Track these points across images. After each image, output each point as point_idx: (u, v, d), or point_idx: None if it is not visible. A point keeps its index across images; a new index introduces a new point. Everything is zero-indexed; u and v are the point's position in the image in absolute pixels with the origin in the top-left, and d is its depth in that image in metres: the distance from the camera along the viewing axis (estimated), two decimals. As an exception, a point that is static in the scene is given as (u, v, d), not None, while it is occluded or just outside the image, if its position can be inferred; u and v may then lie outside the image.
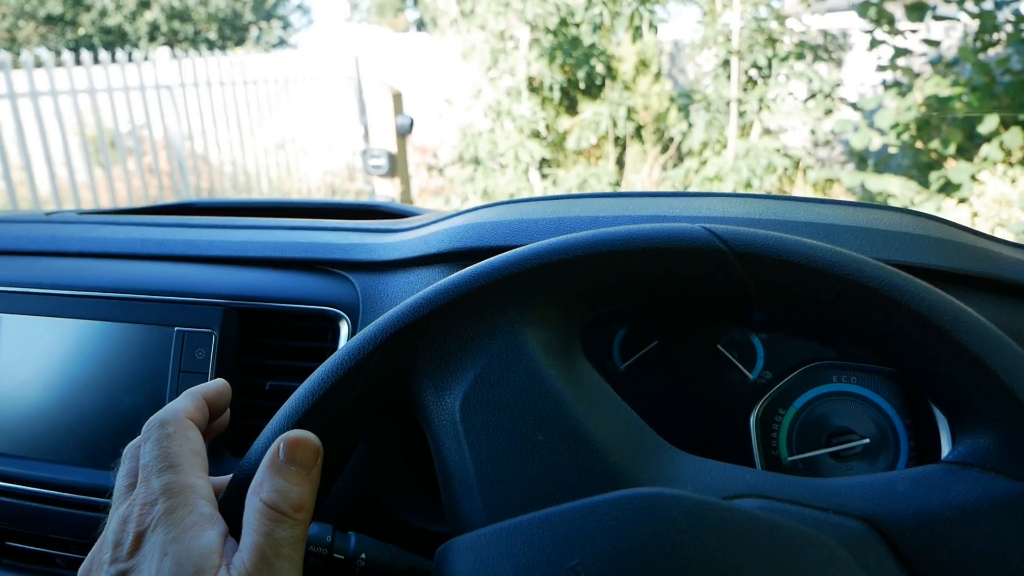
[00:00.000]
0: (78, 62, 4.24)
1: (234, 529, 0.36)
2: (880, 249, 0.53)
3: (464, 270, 0.37)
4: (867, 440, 0.55)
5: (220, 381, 0.45)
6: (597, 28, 5.63)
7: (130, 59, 4.50)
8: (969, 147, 3.94)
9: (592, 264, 0.37)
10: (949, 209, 3.75)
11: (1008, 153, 3.70)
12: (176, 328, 0.60)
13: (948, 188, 3.87)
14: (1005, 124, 3.71)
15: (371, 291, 0.60)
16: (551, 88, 5.59)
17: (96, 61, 4.31)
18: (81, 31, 12.23)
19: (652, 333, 0.59)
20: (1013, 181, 3.63)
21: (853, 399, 0.56)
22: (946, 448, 0.51)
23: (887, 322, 0.34)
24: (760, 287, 0.36)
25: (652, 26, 5.66)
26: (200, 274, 0.64)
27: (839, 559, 0.30)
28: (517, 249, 0.37)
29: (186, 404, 0.42)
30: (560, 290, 0.37)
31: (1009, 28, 3.74)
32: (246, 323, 0.61)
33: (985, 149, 3.77)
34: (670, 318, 0.59)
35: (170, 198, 5.01)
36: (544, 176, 5.63)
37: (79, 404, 0.61)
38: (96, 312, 0.62)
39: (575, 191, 5.18)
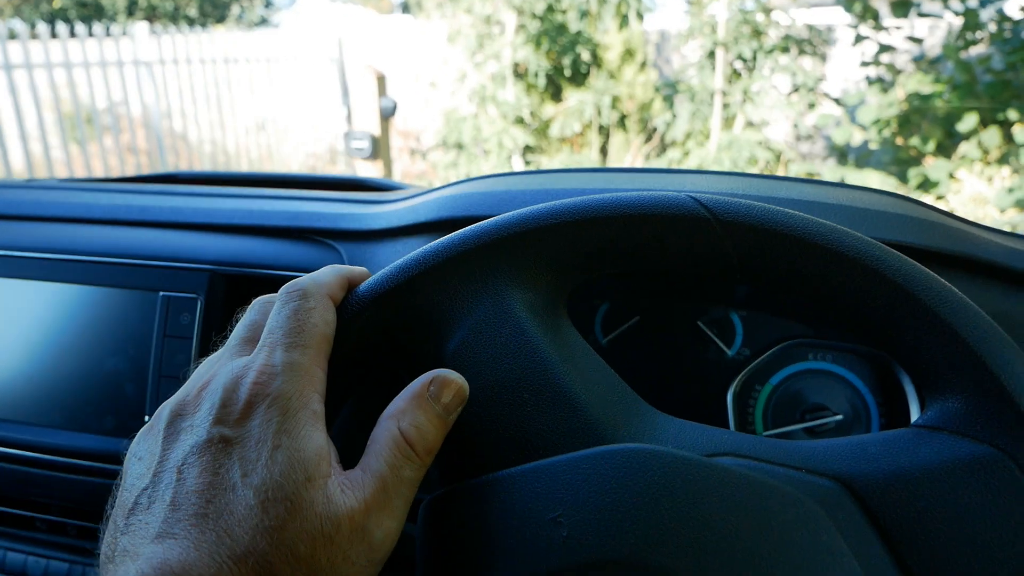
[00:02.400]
0: (54, 35, 4.15)
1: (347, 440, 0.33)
2: (860, 226, 0.54)
3: (454, 233, 0.38)
4: (840, 416, 0.56)
5: (362, 268, 0.40)
6: (584, 15, 5.62)
7: (108, 34, 4.42)
8: (948, 145, 4.00)
9: (580, 229, 0.37)
10: (926, 205, 3.79)
11: (986, 152, 3.76)
12: (161, 293, 0.60)
13: (926, 185, 3.93)
14: (984, 123, 3.76)
15: (358, 260, 0.60)
16: (536, 74, 5.57)
17: (72, 35, 4.23)
18: (57, 3, 11.97)
19: (634, 309, 0.60)
20: (990, 180, 3.69)
21: (828, 377, 0.57)
22: None
23: (864, 292, 0.35)
24: (742, 256, 0.37)
25: (639, 15, 5.67)
26: (186, 240, 0.63)
27: (813, 515, 0.31)
28: (506, 214, 0.38)
29: (330, 280, 0.37)
30: (548, 255, 0.37)
31: (992, 27, 3.78)
32: (232, 289, 0.61)
33: (963, 147, 3.82)
34: (652, 294, 0.60)
35: (148, 177, 4.93)
36: (527, 163, 5.62)
37: (61, 368, 0.61)
38: (80, 276, 0.62)
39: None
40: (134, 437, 0.34)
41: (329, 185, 0.82)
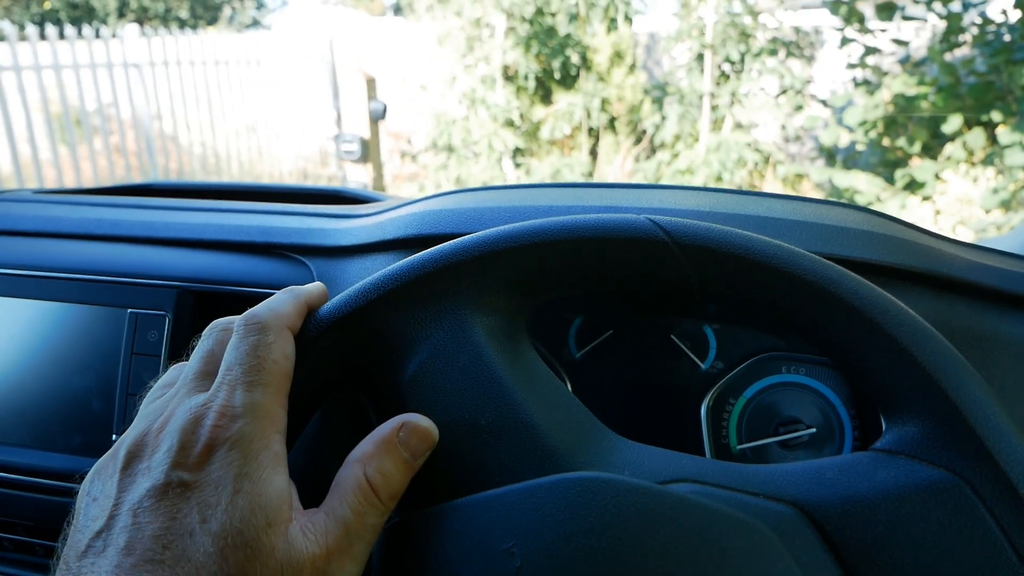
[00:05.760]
0: (43, 37, 4.13)
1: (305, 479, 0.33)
2: (824, 244, 0.54)
3: (412, 256, 0.38)
4: (813, 429, 0.56)
5: (319, 285, 0.39)
6: (573, 18, 5.63)
7: (97, 35, 4.40)
8: (934, 146, 4.02)
9: (537, 252, 0.37)
10: (913, 206, 3.83)
11: (971, 153, 3.79)
12: (129, 310, 0.59)
13: (913, 186, 3.95)
14: (968, 124, 3.79)
15: (327, 276, 0.60)
16: (526, 77, 5.58)
17: (62, 36, 4.20)
18: (47, 5, 11.91)
19: (607, 322, 0.60)
20: (975, 180, 3.72)
21: (801, 389, 0.57)
22: None
23: (821, 314, 0.35)
24: (701, 278, 0.37)
25: (627, 18, 5.68)
26: (155, 256, 0.63)
27: (767, 542, 0.31)
28: (464, 237, 0.38)
29: (289, 310, 0.36)
30: (506, 277, 0.37)
31: (975, 30, 3.81)
32: (201, 306, 0.61)
33: (949, 148, 3.85)
34: (625, 308, 0.60)
35: (137, 179, 4.91)
36: (517, 165, 5.63)
37: (28, 386, 0.60)
38: (48, 293, 0.61)
39: (548, 181, 5.20)
40: (94, 465, 0.33)
41: (307, 197, 0.82)
